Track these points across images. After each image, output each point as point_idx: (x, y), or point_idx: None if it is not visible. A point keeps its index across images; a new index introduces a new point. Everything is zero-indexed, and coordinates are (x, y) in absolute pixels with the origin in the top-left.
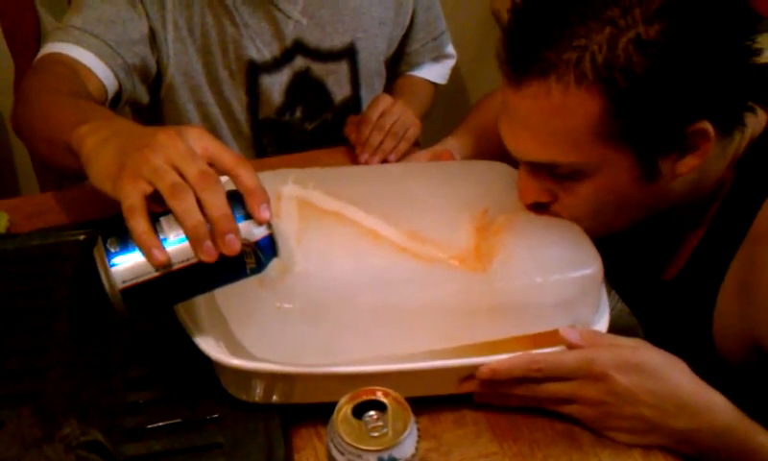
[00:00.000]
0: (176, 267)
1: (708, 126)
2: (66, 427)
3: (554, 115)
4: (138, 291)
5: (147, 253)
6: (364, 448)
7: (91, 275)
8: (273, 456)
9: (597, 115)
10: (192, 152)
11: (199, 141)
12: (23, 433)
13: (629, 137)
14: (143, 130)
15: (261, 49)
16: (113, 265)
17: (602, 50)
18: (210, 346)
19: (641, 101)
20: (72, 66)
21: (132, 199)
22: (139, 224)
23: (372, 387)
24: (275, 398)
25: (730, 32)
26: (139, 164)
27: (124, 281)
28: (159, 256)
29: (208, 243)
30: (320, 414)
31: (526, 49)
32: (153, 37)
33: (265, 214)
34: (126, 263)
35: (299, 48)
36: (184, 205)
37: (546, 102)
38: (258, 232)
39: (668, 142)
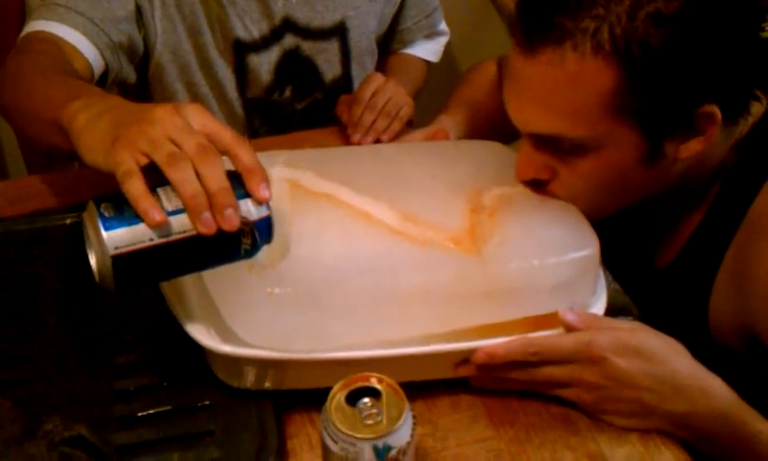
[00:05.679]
0: (171, 238)
1: (715, 109)
2: (49, 423)
3: (567, 85)
4: (129, 260)
5: (144, 213)
6: (358, 436)
7: (79, 258)
8: (265, 443)
9: (610, 88)
10: (190, 126)
11: (197, 118)
12: (4, 427)
13: (638, 114)
14: (139, 105)
15: (249, 27)
16: (106, 230)
17: (621, 21)
18: (201, 332)
19: (655, 76)
20: (57, 44)
21: (128, 164)
22: (135, 186)
23: (366, 373)
24: (267, 384)
25: (743, 15)
26: (135, 135)
27: (116, 248)
28: (157, 216)
29: (207, 214)
30: (313, 400)
31: (543, 15)
32: (139, 15)
33: (264, 193)
34: (120, 228)
35: (288, 26)
36: (182, 174)
37: (561, 70)
38: (257, 212)
39: (676, 123)
